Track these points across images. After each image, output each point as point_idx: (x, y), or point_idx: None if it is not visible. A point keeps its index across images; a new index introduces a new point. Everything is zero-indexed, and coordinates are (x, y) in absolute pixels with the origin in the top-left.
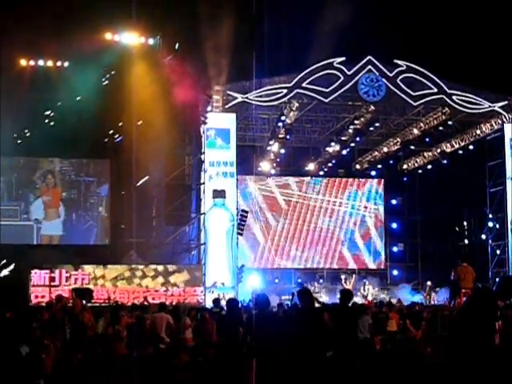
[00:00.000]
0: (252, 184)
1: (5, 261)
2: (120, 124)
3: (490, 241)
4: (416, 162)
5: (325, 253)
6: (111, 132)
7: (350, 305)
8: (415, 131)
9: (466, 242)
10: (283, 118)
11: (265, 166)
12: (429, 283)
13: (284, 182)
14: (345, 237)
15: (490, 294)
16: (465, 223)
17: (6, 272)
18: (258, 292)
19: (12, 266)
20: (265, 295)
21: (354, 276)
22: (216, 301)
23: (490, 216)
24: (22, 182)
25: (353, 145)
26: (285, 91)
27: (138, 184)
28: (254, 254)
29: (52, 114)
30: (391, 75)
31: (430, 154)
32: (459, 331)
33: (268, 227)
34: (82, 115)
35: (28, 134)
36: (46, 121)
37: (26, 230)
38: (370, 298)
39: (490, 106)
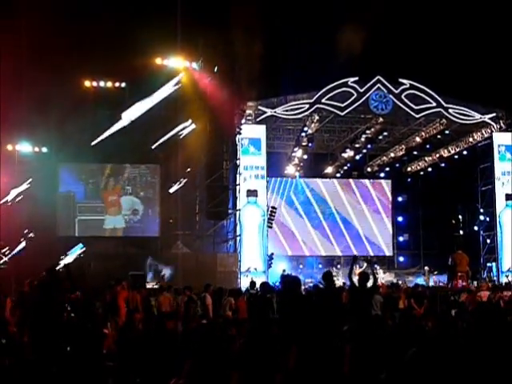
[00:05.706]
0: (283, 184)
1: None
2: (169, 134)
3: (481, 232)
4: (418, 165)
5: (341, 242)
6: (162, 141)
7: (367, 285)
8: (417, 139)
9: (461, 232)
10: (306, 128)
11: (290, 169)
12: (426, 268)
13: (307, 182)
14: (359, 229)
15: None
16: (460, 217)
17: (69, 259)
18: (287, 275)
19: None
20: (295, 278)
21: (366, 262)
22: (252, 283)
23: (481, 211)
24: (100, 184)
25: (364, 151)
26: (307, 106)
27: (180, 185)
28: (282, 243)
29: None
30: (397, 92)
31: (430, 158)
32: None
33: (295, 221)
34: (137, 128)
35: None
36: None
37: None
38: (381, 281)
39: (480, 118)
